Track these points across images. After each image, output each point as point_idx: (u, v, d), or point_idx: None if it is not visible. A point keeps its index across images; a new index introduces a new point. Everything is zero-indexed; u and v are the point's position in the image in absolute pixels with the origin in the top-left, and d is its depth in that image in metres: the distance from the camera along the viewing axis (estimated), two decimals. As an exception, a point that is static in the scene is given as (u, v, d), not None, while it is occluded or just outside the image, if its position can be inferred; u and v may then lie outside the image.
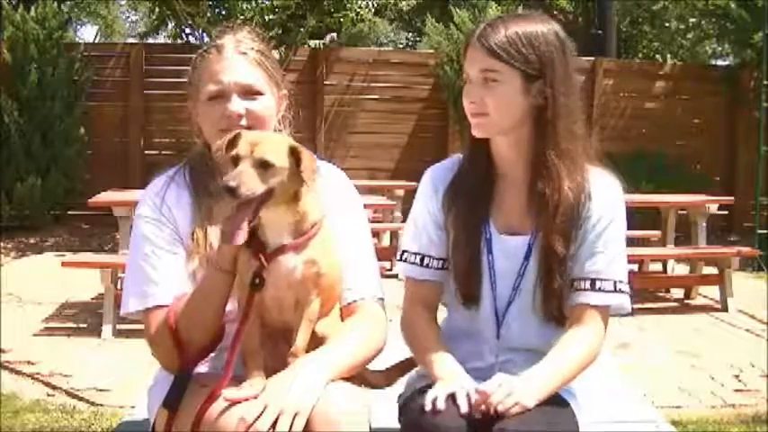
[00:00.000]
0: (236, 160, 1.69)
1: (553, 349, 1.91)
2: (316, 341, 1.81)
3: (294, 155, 1.73)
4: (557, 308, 1.97)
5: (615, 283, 1.96)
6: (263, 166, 1.68)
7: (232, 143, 1.73)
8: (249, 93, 1.90)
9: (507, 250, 1.98)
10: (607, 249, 1.95)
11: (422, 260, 2.04)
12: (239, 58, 1.92)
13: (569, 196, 1.93)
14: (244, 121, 1.87)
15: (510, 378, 1.81)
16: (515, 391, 1.76)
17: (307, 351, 1.78)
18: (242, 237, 1.68)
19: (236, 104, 1.88)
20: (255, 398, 1.68)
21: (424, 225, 2.05)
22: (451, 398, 1.79)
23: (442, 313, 2.12)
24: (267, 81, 1.94)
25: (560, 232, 1.93)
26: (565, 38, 1.96)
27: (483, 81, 1.91)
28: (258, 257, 1.74)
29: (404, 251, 2.07)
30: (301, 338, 1.77)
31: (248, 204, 1.68)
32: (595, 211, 1.95)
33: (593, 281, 1.94)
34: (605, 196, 1.98)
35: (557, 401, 1.87)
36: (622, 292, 1.97)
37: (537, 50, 1.90)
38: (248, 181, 1.66)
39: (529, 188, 1.97)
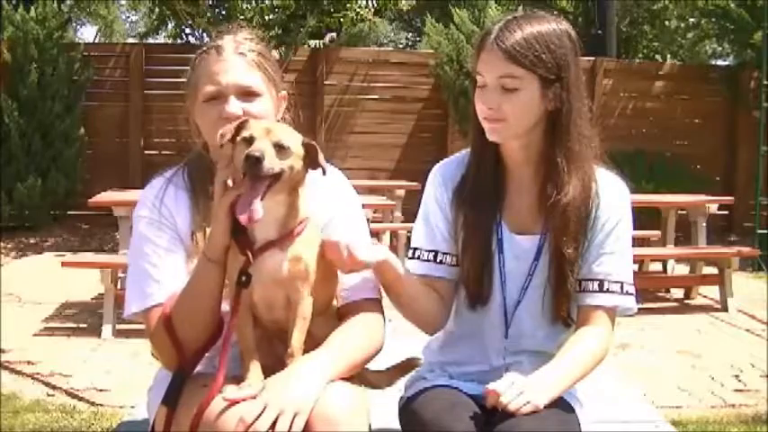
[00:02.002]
0: (249, 141, 1.69)
1: (562, 349, 1.91)
2: (313, 342, 1.81)
3: (303, 145, 1.75)
4: (565, 309, 1.97)
5: (622, 284, 1.96)
6: (279, 148, 1.70)
7: (239, 129, 1.73)
8: (247, 94, 1.89)
9: (518, 250, 1.98)
10: (614, 250, 1.96)
11: (435, 256, 2.02)
12: (238, 60, 1.91)
13: (580, 198, 1.93)
14: None
15: (521, 377, 1.81)
16: (527, 389, 1.77)
17: (304, 351, 1.78)
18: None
19: (234, 106, 1.87)
20: (254, 398, 1.67)
21: (436, 222, 2.03)
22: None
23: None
24: (266, 82, 1.93)
25: (572, 234, 1.93)
26: (576, 39, 1.95)
27: (501, 87, 1.88)
28: (245, 253, 1.74)
29: (416, 248, 2.05)
30: (297, 338, 1.76)
31: (261, 182, 1.68)
32: (603, 212, 1.96)
33: (600, 282, 1.95)
34: (612, 197, 1.98)
35: (563, 405, 1.87)
36: (629, 293, 1.97)
37: (554, 54, 1.88)
38: (270, 156, 1.67)
39: (540, 189, 1.96)
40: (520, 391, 1.76)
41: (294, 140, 1.74)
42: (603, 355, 1.95)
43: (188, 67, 1.98)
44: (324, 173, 1.79)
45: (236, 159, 1.71)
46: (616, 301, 1.96)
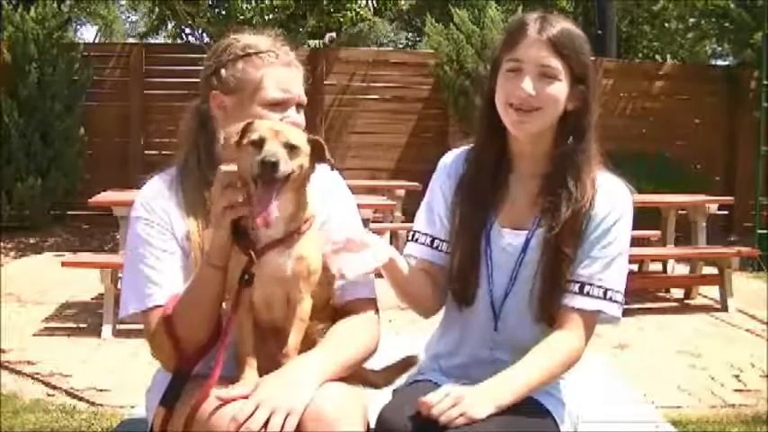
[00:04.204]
0: (260, 143, 1.69)
1: (527, 355, 1.88)
2: (307, 341, 1.80)
3: (309, 142, 1.76)
4: (553, 310, 1.94)
5: (606, 290, 1.92)
6: (290, 149, 1.70)
7: (245, 132, 1.73)
8: (300, 105, 1.96)
9: (505, 243, 1.98)
10: (603, 255, 1.93)
11: (432, 242, 2.05)
12: (297, 72, 1.97)
13: (586, 198, 1.92)
14: None
15: (460, 388, 1.78)
16: (463, 401, 1.73)
17: (299, 351, 1.78)
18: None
19: (294, 116, 1.92)
20: (247, 397, 1.67)
21: (438, 209, 2.06)
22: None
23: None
24: None
25: (576, 233, 1.92)
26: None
27: (540, 75, 1.90)
28: (248, 253, 1.73)
29: (416, 231, 2.08)
30: (293, 338, 1.77)
31: (275, 185, 1.68)
32: (599, 215, 1.94)
33: (582, 284, 1.92)
34: (611, 201, 1.96)
35: (532, 410, 1.85)
36: (612, 300, 1.93)
37: (584, 55, 1.94)
38: (284, 159, 1.67)
39: (540, 187, 1.96)
40: (453, 402, 1.73)
41: (301, 139, 1.75)
42: (571, 363, 1.91)
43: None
44: (332, 168, 1.82)
45: (244, 161, 1.70)
46: (595, 306, 1.92)
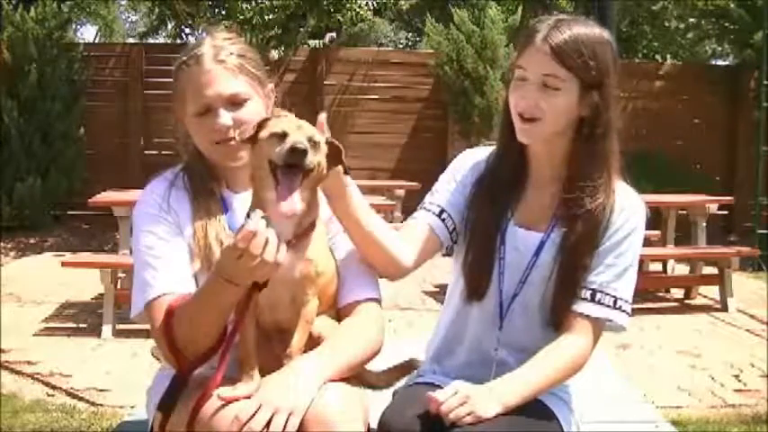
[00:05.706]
0: (282, 137, 1.67)
1: (534, 357, 1.88)
2: (311, 342, 1.80)
3: (327, 144, 1.74)
4: (563, 316, 1.94)
5: (617, 299, 1.93)
6: (313, 143, 1.69)
7: (260, 128, 1.72)
8: (234, 102, 1.89)
9: (518, 243, 1.98)
10: (616, 264, 1.93)
11: (440, 213, 2.02)
12: (219, 68, 1.89)
13: (602, 206, 1.92)
14: (232, 132, 1.86)
15: (468, 386, 1.78)
16: (471, 400, 1.74)
17: (303, 352, 1.77)
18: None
19: (224, 117, 1.87)
20: (249, 397, 1.67)
21: (453, 190, 2.04)
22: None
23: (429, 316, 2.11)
24: (250, 83, 1.92)
25: (592, 242, 1.92)
26: (616, 48, 1.96)
27: (542, 85, 1.88)
28: None
29: (425, 202, 2.06)
30: (298, 339, 1.76)
31: (297, 175, 1.65)
32: (614, 225, 1.94)
33: (594, 291, 1.92)
34: (627, 212, 1.96)
35: (538, 411, 1.85)
36: (621, 310, 1.94)
37: (598, 62, 1.89)
38: (310, 151, 1.65)
39: (557, 191, 1.96)
40: (462, 401, 1.74)
41: (321, 137, 1.73)
42: (578, 367, 1.92)
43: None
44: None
45: (264, 153, 1.69)
46: (605, 314, 1.93)
